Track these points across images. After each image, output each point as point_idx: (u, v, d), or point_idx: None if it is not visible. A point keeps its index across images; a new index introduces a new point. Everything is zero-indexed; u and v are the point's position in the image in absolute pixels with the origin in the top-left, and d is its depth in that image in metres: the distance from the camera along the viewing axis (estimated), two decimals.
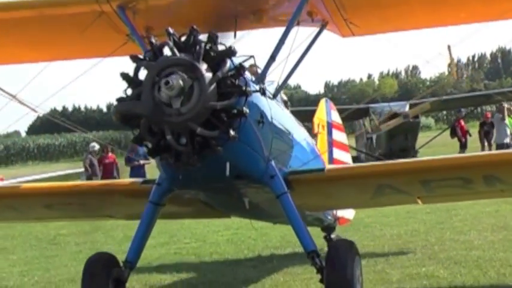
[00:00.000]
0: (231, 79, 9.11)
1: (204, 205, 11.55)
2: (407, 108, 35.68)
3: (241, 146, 9.51)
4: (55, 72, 13.55)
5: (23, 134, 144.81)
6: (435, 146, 38.69)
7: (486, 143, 40.09)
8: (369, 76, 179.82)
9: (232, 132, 8.99)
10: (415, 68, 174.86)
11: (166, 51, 9.26)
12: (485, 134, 40.11)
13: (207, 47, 9.12)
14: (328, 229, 16.21)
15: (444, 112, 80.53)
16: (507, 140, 36.53)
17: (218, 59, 9.10)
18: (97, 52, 12.56)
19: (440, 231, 18.20)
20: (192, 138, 8.88)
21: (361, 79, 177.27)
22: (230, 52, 9.16)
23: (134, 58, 9.32)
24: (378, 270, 14.49)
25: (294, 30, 11.28)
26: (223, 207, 12.01)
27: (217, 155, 9.09)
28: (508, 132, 36.64)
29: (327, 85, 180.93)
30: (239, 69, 9.17)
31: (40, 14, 11.57)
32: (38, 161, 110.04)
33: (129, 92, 9.20)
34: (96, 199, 12.61)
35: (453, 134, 40.93)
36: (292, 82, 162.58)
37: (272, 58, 10.64)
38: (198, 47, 9.06)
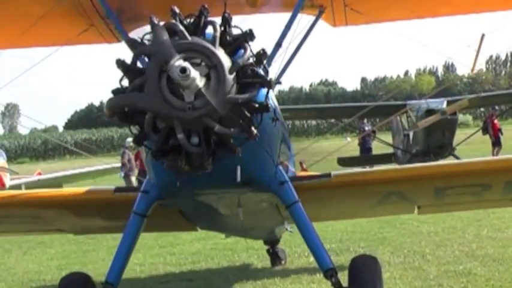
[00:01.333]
0: (251, 68, 7.55)
1: (178, 216, 10.22)
2: (444, 105, 35.53)
3: (254, 147, 8.06)
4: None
5: (61, 129, 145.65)
6: (473, 143, 38.52)
7: None
8: (406, 73, 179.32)
9: (254, 130, 7.50)
10: (452, 64, 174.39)
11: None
12: None
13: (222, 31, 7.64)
14: (272, 242, 15.38)
15: (482, 109, 79.88)
16: None
17: (236, 44, 7.59)
18: (54, 39, 10.55)
19: (478, 228, 18.12)
20: (206, 137, 7.36)
21: (398, 75, 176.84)
22: (250, 36, 7.61)
23: (133, 42, 7.72)
24: (415, 266, 14.47)
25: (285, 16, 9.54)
26: (205, 218, 10.60)
27: (228, 158, 7.70)
28: None
29: (363, 81, 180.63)
30: (261, 56, 7.65)
31: None
32: (75, 156, 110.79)
33: (127, 82, 7.56)
34: (55, 210, 11.03)
35: (485, 131, 40.91)
36: (330, 78, 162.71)
37: (279, 45, 9.05)
38: (213, 30, 7.53)
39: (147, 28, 7.86)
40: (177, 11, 7.57)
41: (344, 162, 36.81)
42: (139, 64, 7.62)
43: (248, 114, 7.43)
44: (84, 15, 9.87)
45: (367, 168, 38.80)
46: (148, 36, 7.58)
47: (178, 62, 7.12)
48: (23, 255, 18.29)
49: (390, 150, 39.15)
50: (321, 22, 10.08)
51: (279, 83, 7.92)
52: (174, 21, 7.52)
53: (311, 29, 9.68)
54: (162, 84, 7.19)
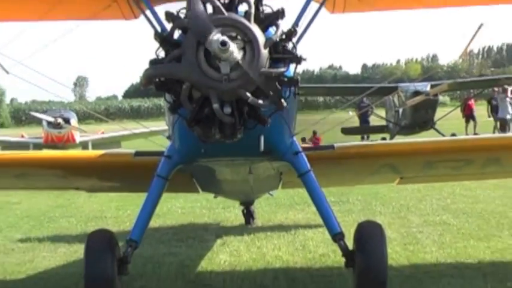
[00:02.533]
0: (283, 44, 6.89)
1: (187, 178, 9.34)
2: (428, 88, 35.60)
3: (278, 118, 7.26)
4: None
5: (120, 98, 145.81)
6: (450, 119, 38.36)
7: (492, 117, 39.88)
8: (398, 61, 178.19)
9: (284, 102, 6.81)
10: (434, 56, 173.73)
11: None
12: (493, 108, 39.55)
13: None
14: (249, 204, 13.89)
15: (458, 92, 79.31)
16: (508, 116, 36.32)
17: (269, 21, 6.84)
18: (78, 14, 9.33)
19: (452, 187, 18.00)
20: (239, 107, 6.69)
21: (391, 63, 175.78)
22: (281, 14, 6.89)
23: (171, 15, 6.83)
24: (401, 216, 14.51)
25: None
26: (213, 183, 9.59)
27: (255, 128, 6.95)
28: (510, 109, 36.33)
29: (364, 66, 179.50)
30: (291, 33, 6.98)
31: None
32: (130, 120, 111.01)
33: (163, 53, 6.90)
34: (84, 172, 10.12)
35: (462, 111, 41.18)
36: (336, 63, 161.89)
37: (295, 30, 7.23)
38: (247, 7, 6.75)
39: (170, 5, 7.44)
40: None
41: (347, 131, 36.87)
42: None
43: (279, 87, 6.74)
44: None
45: (366, 139, 39.02)
46: (184, 11, 6.80)
47: (217, 35, 6.42)
48: (89, 197, 18.35)
49: (383, 122, 39.14)
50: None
51: (305, 59, 6.86)
52: None
53: (316, 14, 8.29)
54: (199, 56, 6.52)
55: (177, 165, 7.99)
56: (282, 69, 6.74)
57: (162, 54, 6.87)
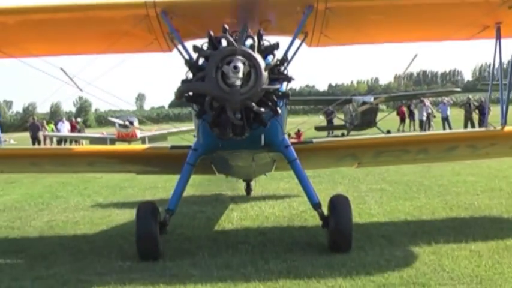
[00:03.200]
0: (278, 68, 6.82)
1: (208, 165, 8.83)
2: (372, 99, 35.73)
3: (274, 122, 7.16)
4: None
5: (166, 107, 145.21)
6: (387, 120, 38.18)
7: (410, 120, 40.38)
8: (351, 82, 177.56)
9: (279, 110, 6.81)
10: (376, 78, 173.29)
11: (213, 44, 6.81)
12: (410, 113, 40.40)
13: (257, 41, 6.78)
14: (250, 181, 12.97)
15: (391, 102, 79.16)
16: (423, 118, 36.38)
17: (268, 51, 6.77)
18: (131, 48, 8.99)
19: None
20: (247, 113, 6.59)
21: (347, 83, 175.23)
22: (276, 46, 6.80)
23: (197, 48, 6.74)
24: (354, 185, 14.37)
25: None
26: (227, 168, 9.14)
27: (258, 128, 6.85)
28: (424, 113, 36.34)
29: (329, 86, 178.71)
30: (284, 60, 6.93)
31: (93, 15, 8.10)
32: (173, 122, 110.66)
33: (191, 75, 6.82)
34: (133, 161, 9.70)
35: (397, 114, 41.29)
36: (310, 83, 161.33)
37: (286, 58, 7.14)
38: (252, 41, 6.70)
39: (197, 41, 7.41)
40: (227, 27, 6.80)
41: (318, 129, 36.93)
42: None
43: (275, 99, 6.75)
44: (152, 32, 8.34)
45: (330, 134, 38.96)
46: (206, 45, 6.81)
47: (231, 62, 6.42)
48: None
49: (342, 123, 39.18)
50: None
51: (294, 79, 6.82)
52: (224, 34, 6.74)
53: (298, 48, 8.03)
54: (218, 76, 6.45)
55: (201, 155, 7.79)
56: (277, 86, 6.77)
57: (190, 75, 6.85)
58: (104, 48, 8.63)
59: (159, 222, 7.62)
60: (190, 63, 6.89)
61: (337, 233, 7.54)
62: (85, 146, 10.74)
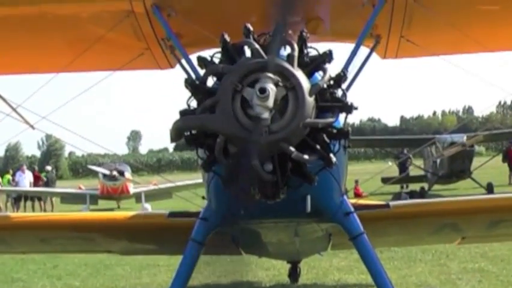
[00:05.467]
0: (331, 90, 5.76)
1: (228, 241, 8.10)
2: (464, 139, 35.56)
3: (326, 176, 6.09)
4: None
5: (171, 150, 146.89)
6: (486, 168, 37.95)
7: None
8: (434, 113, 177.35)
9: (333, 158, 5.65)
10: (470, 107, 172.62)
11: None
12: None
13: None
14: (297, 262, 12.01)
15: (493, 142, 78.55)
16: None
17: (314, 65, 5.76)
18: (109, 63, 8.26)
19: None
20: (282, 163, 5.53)
21: (429, 116, 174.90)
22: (328, 57, 5.80)
23: (203, 60, 5.81)
24: (441, 263, 14.33)
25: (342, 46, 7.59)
26: (256, 245, 8.52)
27: (301, 186, 5.78)
28: None
29: (401, 118, 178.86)
30: (340, 78, 5.85)
31: (50, 13, 7.33)
32: (181, 171, 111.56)
33: (195, 103, 5.81)
34: (114, 235, 9.17)
35: (505, 158, 40.70)
36: (374, 116, 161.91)
37: (345, 75, 6.00)
38: (291, 49, 5.66)
39: (206, 53, 6.34)
40: (251, 28, 5.76)
41: (386, 180, 36.65)
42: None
43: (327, 140, 5.64)
44: (141, 38, 7.61)
45: (405, 188, 38.67)
46: (219, 55, 5.81)
47: (257, 82, 5.39)
48: None
49: (422, 172, 39.03)
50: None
51: (356, 108, 5.79)
52: (248, 39, 5.73)
53: (366, 61, 7.42)
54: (235, 105, 5.43)
55: (214, 228, 6.80)
56: (330, 120, 5.69)
57: (194, 104, 5.83)
58: (71, 64, 7.72)
59: None
60: (194, 85, 5.85)
61: None
62: (34, 214, 10.19)
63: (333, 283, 13.00)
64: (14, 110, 7.88)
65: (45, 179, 41.08)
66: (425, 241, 10.94)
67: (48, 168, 45.72)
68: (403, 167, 40.22)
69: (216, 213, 6.66)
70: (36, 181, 40.01)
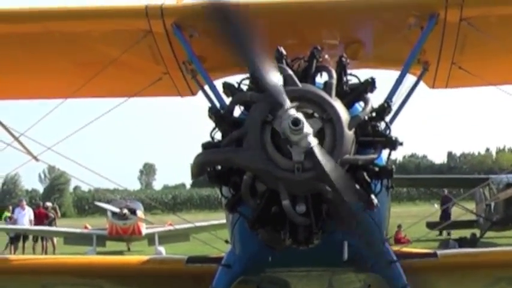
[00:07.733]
0: (373, 123, 5.79)
1: None
2: None
3: (365, 219, 6.02)
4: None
5: (188, 186, 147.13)
6: None
7: None
8: (487, 149, 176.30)
9: (374, 199, 5.64)
10: None
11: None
12: None
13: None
14: None
15: None
16: None
17: (355, 94, 5.82)
18: (123, 89, 8.18)
19: None
20: (317, 205, 5.52)
21: (479, 152, 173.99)
22: (371, 86, 5.86)
23: (229, 87, 5.85)
24: None
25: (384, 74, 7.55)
26: None
27: (338, 231, 5.81)
28: None
29: (449, 155, 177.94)
30: (384, 110, 5.89)
31: (56, 31, 7.26)
32: (199, 210, 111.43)
33: (219, 135, 5.86)
34: (123, 282, 8.97)
35: None
36: (419, 152, 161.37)
37: (389, 106, 6.12)
38: (329, 76, 5.73)
39: (233, 79, 6.42)
40: (284, 52, 5.83)
41: (432, 225, 36.58)
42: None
43: (368, 180, 5.66)
44: (159, 61, 7.60)
45: (448, 235, 38.33)
46: (246, 82, 5.85)
47: (289, 112, 5.34)
48: None
49: (472, 217, 38.74)
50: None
51: (401, 144, 5.74)
52: (280, 64, 5.77)
53: (412, 90, 7.31)
54: (265, 138, 5.46)
55: (238, 276, 6.84)
56: (372, 156, 5.74)
57: (218, 136, 5.92)
58: (80, 89, 7.74)
59: None
60: (218, 114, 5.91)
61: None
62: (35, 257, 9.83)
63: None
64: (16, 139, 7.95)
65: (52, 215, 40.05)
66: None
67: (48, 204, 44.88)
68: (445, 214, 40.16)
69: (240, 260, 6.73)
70: (41, 218, 38.88)
